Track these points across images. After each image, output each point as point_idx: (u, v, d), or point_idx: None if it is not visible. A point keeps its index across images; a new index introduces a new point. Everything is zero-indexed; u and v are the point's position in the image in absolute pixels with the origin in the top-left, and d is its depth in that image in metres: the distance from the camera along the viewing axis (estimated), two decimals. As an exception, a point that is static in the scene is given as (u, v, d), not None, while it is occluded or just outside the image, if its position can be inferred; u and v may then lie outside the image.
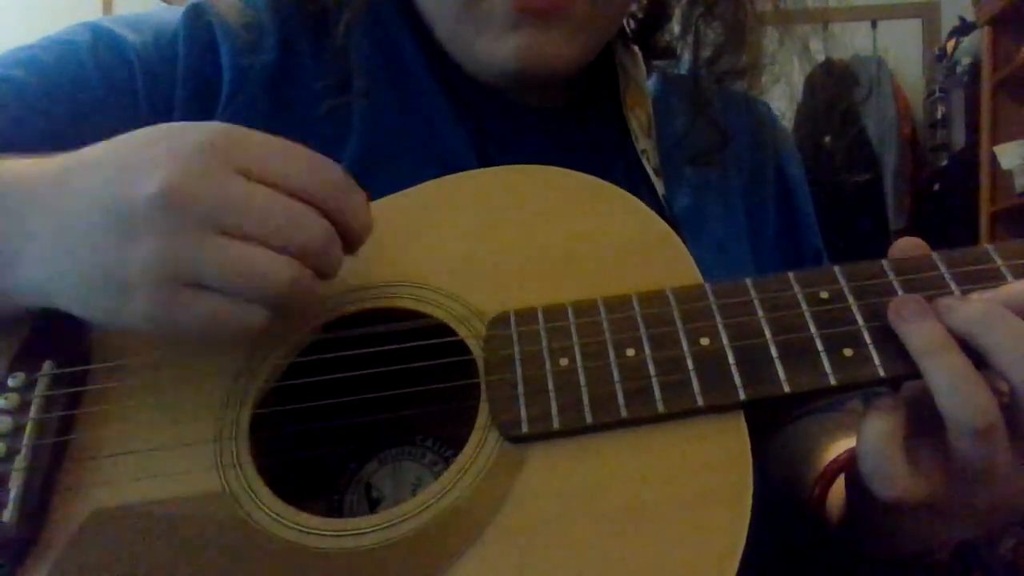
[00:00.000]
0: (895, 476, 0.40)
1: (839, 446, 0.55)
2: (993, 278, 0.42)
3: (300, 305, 0.42)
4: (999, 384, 0.39)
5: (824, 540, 0.53)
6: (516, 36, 0.53)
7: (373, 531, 0.40)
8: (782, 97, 0.71)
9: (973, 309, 0.40)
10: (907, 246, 0.45)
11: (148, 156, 0.39)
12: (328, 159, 0.42)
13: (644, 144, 0.61)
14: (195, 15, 0.58)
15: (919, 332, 0.40)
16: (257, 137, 0.41)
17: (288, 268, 0.39)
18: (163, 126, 0.42)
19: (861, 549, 0.50)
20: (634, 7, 0.67)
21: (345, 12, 0.57)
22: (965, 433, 0.39)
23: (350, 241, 0.43)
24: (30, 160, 0.44)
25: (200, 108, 0.56)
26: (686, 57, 0.66)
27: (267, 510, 0.42)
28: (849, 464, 0.48)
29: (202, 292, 0.38)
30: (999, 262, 0.43)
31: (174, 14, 0.59)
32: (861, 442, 0.41)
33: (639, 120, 0.62)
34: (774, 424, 0.64)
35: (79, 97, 0.54)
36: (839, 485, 0.51)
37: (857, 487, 0.45)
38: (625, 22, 0.68)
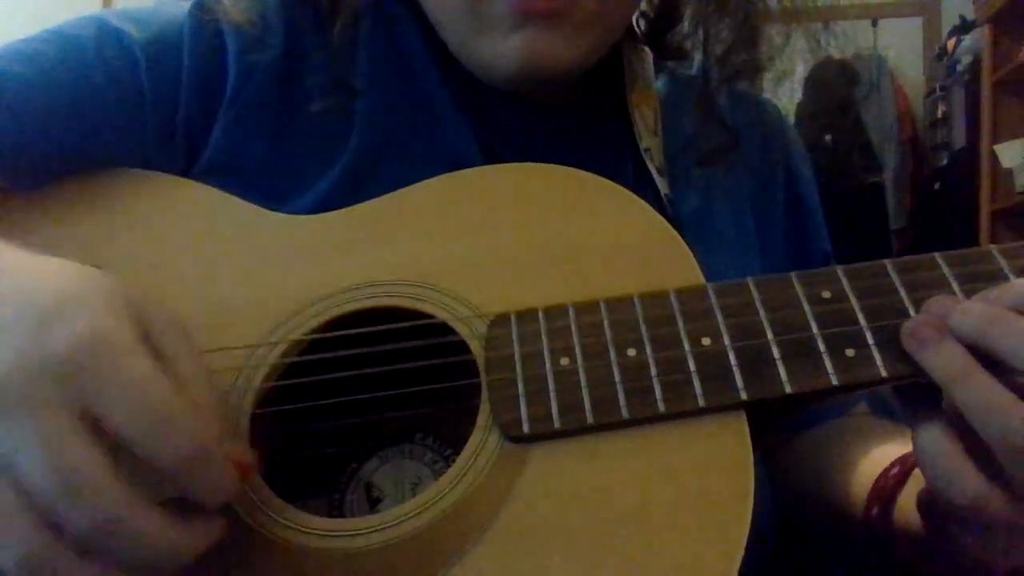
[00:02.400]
0: (964, 477, 0.39)
1: (875, 457, 0.54)
2: (995, 279, 0.42)
3: None
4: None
5: (884, 557, 0.51)
6: (517, 37, 0.53)
7: (374, 531, 0.40)
8: (783, 95, 0.71)
9: (981, 317, 0.40)
10: None
11: (3, 345, 0.35)
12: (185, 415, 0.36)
13: (648, 143, 0.61)
14: (201, 11, 0.58)
15: (940, 360, 0.40)
16: (120, 374, 0.35)
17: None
18: (47, 303, 0.36)
19: (925, 570, 0.48)
20: (644, 7, 0.67)
21: (342, 11, 0.57)
22: (1009, 455, 0.38)
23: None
24: None
25: (204, 105, 0.56)
26: (696, 57, 0.66)
27: (267, 510, 0.42)
28: (905, 479, 0.47)
29: None
30: (1002, 263, 0.43)
31: (180, 9, 0.58)
32: (920, 451, 0.40)
33: (644, 118, 0.62)
34: (776, 425, 0.64)
35: (82, 93, 0.54)
36: (904, 500, 0.49)
37: (928, 504, 0.44)
38: (635, 22, 0.67)
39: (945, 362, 0.40)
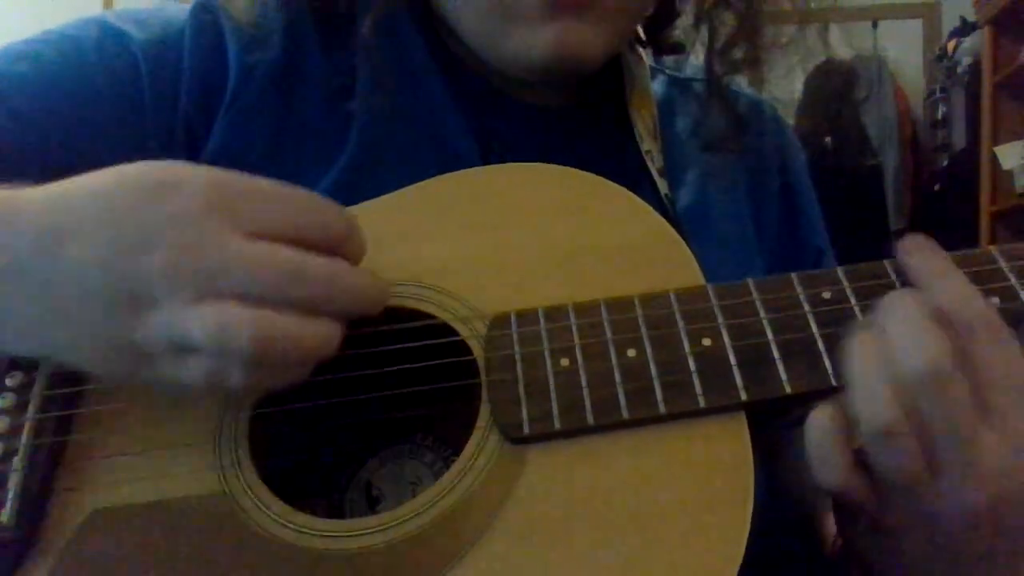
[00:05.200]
0: (836, 465, 0.39)
1: None
2: (995, 280, 0.42)
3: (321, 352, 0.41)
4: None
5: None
6: (550, 28, 0.53)
7: (374, 532, 0.40)
8: (783, 95, 0.71)
9: (888, 297, 0.40)
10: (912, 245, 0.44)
11: (145, 226, 0.39)
12: (326, 200, 0.42)
13: (649, 145, 0.61)
14: (202, 11, 0.58)
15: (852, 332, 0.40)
16: (252, 189, 0.40)
17: (274, 326, 0.38)
18: (155, 174, 0.41)
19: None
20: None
21: (370, 11, 0.57)
22: (867, 436, 0.38)
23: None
24: (2, 206, 0.43)
25: (205, 106, 0.56)
26: (694, 55, 0.66)
27: (267, 511, 0.42)
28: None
29: (200, 357, 0.39)
30: (1003, 264, 0.43)
31: (181, 10, 0.59)
32: (807, 428, 0.40)
33: (644, 121, 0.62)
34: (777, 425, 0.63)
35: (83, 93, 0.54)
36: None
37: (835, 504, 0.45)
38: None
39: (852, 333, 0.40)
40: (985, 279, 0.42)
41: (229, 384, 0.39)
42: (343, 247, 0.41)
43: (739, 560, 0.37)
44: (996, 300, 0.42)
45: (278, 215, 0.40)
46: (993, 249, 0.44)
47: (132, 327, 0.39)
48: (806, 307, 0.43)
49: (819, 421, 0.40)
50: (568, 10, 0.53)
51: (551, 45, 0.53)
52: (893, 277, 0.43)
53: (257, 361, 0.38)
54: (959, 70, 3.51)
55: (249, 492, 0.42)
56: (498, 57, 0.57)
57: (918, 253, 0.42)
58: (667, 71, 0.71)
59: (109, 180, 0.41)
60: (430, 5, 0.60)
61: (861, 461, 0.40)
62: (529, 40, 0.54)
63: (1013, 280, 0.42)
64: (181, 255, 0.38)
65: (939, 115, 3.64)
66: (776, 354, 0.42)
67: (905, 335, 0.38)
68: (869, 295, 0.43)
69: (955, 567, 0.41)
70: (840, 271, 0.44)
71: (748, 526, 0.38)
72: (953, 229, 3.40)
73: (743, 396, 0.41)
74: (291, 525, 0.41)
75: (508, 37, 0.55)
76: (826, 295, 0.43)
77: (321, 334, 0.40)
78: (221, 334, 0.37)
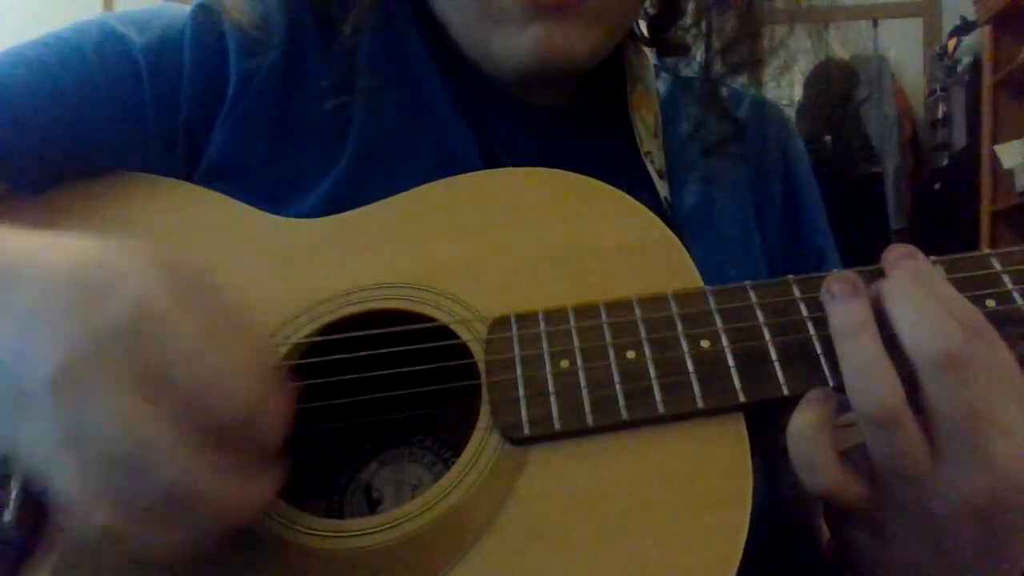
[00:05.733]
0: (822, 467, 0.39)
1: None
2: (991, 284, 0.43)
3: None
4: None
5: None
6: (532, 30, 0.53)
7: (375, 532, 0.40)
8: (783, 95, 0.71)
9: (887, 280, 0.40)
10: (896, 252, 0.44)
11: (52, 328, 0.35)
12: (254, 365, 0.38)
13: (649, 146, 0.61)
14: (203, 14, 0.58)
15: (840, 312, 0.40)
16: (180, 328, 0.36)
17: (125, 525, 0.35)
18: (96, 274, 0.37)
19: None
20: (646, 3, 0.67)
21: (353, 11, 0.57)
22: (865, 422, 0.38)
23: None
24: None
25: (205, 108, 0.56)
26: (698, 55, 0.66)
27: (270, 511, 0.42)
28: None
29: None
30: (998, 268, 0.43)
31: (182, 12, 0.58)
32: (789, 431, 0.40)
33: (645, 122, 0.62)
34: (775, 427, 0.64)
35: (83, 97, 0.54)
36: None
37: (825, 507, 0.44)
38: (636, 23, 0.68)
39: (844, 313, 0.40)
40: (980, 283, 0.43)
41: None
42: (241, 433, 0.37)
43: (737, 560, 0.38)
44: (992, 303, 0.42)
45: (198, 374, 0.35)
46: (991, 253, 0.44)
47: (13, 426, 0.35)
48: (803, 310, 0.43)
49: (799, 426, 0.40)
50: (550, 12, 0.53)
51: (534, 47, 0.53)
52: None
53: (109, 545, 0.35)
54: (959, 69, 3.51)
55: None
56: (486, 59, 0.57)
57: (904, 259, 0.43)
58: (671, 68, 0.70)
59: (58, 265, 0.38)
60: (429, 5, 0.60)
61: (850, 462, 0.40)
62: (512, 42, 0.54)
63: (1009, 285, 0.43)
64: (66, 378, 0.34)
65: (939, 114, 3.64)
66: (774, 356, 0.42)
67: (918, 315, 0.38)
68: None
69: (948, 564, 0.41)
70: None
71: (746, 526, 0.38)
72: (953, 228, 3.40)
73: (741, 397, 0.41)
74: (292, 525, 0.41)
75: (492, 39, 0.55)
76: (822, 290, 0.43)
77: (187, 541, 0.36)
78: (73, 505, 0.34)
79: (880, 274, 0.43)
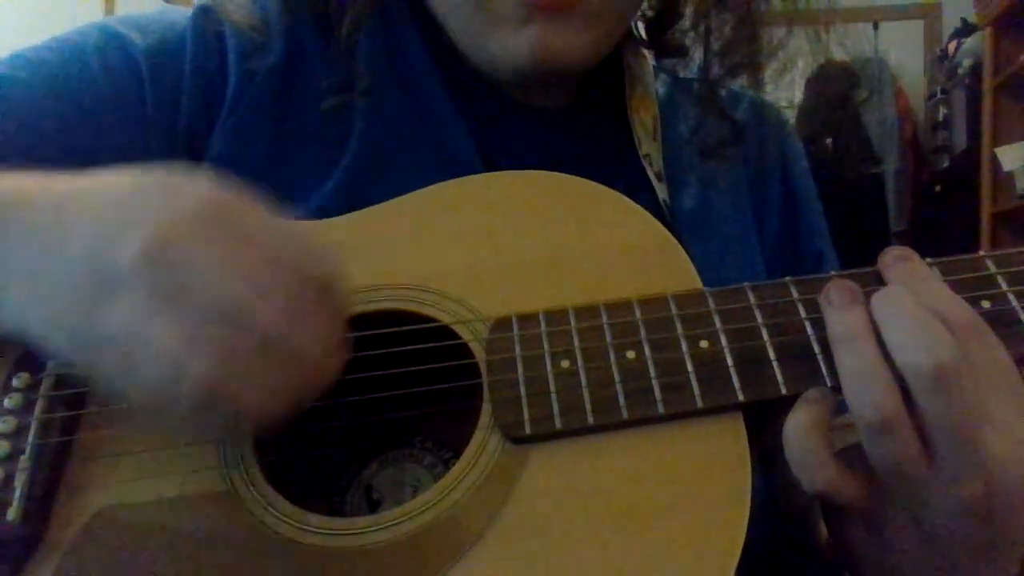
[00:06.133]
0: (818, 466, 0.40)
1: None
2: (987, 287, 0.43)
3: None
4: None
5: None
6: (528, 30, 0.53)
7: (376, 530, 0.41)
8: (783, 97, 0.71)
9: (877, 294, 0.40)
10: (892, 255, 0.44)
11: (134, 217, 0.38)
12: (319, 248, 0.40)
13: (648, 148, 0.62)
14: (203, 16, 0.58)
15: (839, 319, 0.41)
16: (251, 214, 0.39)
17: (231, 373, 0.36)
18: (165, 178, 0.40)
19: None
20: (644, 5, 0.67)
21: (350, 11, 0.57)
22: (863, 427, 0.39)
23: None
24: (31, 182, 0.43)
25: (206, 111, 0.56)
26: (697, 56, 0.66)
27: (270, 509, 0.42)
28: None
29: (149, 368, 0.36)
30: (993, 270, 0.44)
31: (183, 15, 0.59)
32: (785, 432, 0.41)
33: (644, 124, 0.63)
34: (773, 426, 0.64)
35: (85, 100, 0.54)
36: None
37: (823, 505, 0.45)
38: (634, 25, 0.68)
39: (842, 321, 0.41)
40: (977, 285, 0.43)
41: (176, 414, 0.37)
42: (316, 302, 0.39)
43: (736, 558, 0.38)
44: (987, 304, 0.42)
45: (275, 245, 0.39)
46: (986, 256, 0.44)
47: (94, 314, 0.37)
48: (801, 311, 0.43)
49: (795, 426, 0.40)
50: (545, 12, 0.53)
51: (529, 48, 0.53)
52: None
53: (201, 405, 0.36)
54: (960, 71, 3.51)
55: (253, 491, 0.43)
56: (484, 59, 0.57)
57: (899, 262, 0.43)
58: (669, 69, 0.70)
59: (125, 178, 0.41)
60: (428, 6, 0.60)
61: (847, 461, 0.40)
62: (509, 43, 0.54)
63: (1005, 287, 0.43)
64: (160, 249, 0.36)
65: (940, 116, 3.64)
66: (772, 356, 0.42)
67: (907, 331, 0.39)
68: None
69: (945, 560, 0.41)
70: (836, 276, 0.45)
71: (745, 524, 0.39)
72: (954, 231, 3.40)
73: (740, 397, 0.41)
74: (294, 524, 0.42)
75: (489, 40, 0.55)
76: (820, 296, 0.44)
77: (277, 394, 0.38)
78: (170, 361, 0.36)
79: (876, 276, 0.44)
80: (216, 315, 0.36)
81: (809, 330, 0.43)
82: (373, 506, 0.49)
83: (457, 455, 0.43)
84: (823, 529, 0.51)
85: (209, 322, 0.36)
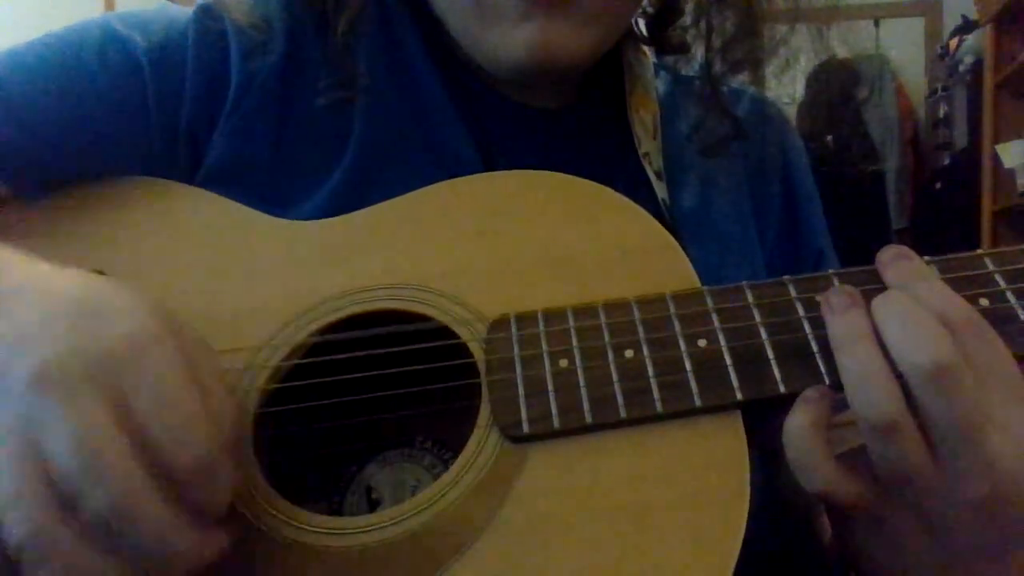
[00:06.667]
0: (817, 467, 0.40)
1: None
2: (985, 284, 0.43)
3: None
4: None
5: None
6: (526, 28, 0.53)
7: (374, 529, 0.41)
8: (785, 94, 0.71)
9: (877, 299, 0.40)
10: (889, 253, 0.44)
11: (48, 333, 0.37)
12: (199, 433, 0.36)
13: (647, 147, 0.61)
14: (205, 15, 0.58)
15: (839, 323, 0.41)
16: (155, 367, 0.36)
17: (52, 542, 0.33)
18: (100, 300, 0.39)
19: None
20: (645, 2, 0.67)
21: (346, 10, 0.57)
22: (866, 429, 0.39)
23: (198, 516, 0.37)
24: None
25: (207, 111, 0.56)
26: (698, 53, 0.66)
27: (270, 508, 0.42)
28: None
29: None
30: (992, 268, 0.44)
31: (184, 12, 0.58)
32: (785, 432, 0.41)
33: (643, 123, 0.62)
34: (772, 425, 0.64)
35: (86, 100, 0.54)
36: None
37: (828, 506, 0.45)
38: (635, 22, 0.68)
39: (843, 324, 0.41)
40: (974, 283, 0.43)
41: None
42: (194, 487, 0.36)
43: (735, 556, 0.38)
44: (985, 302, 0.42)
45: (151, 413, 0.35)
46: (984, 254, 0.44)
47: None
48: (800, 309, 0.44)
49: (794, 426, 0.40)
50: (546, 9, 0.53)
51: (527, 45, 0.53)
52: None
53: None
54: (961, 68, 3.51)
55: (253, 489, 0.43)
56: (483, 57, 0.57)
57: (897, 260, 0.43)
58: (671, 67, 0.70)
59: (67, 288, 0.40)
60: (427, 4, 0.60)
61: (849, 463, 0.40)
62: (506, 40, 0.54)
63: (1003, 285, 0.43)
64: (39, 382, 0.35)
65: (941, 114, 3.64)
66: (771, 354, 0.42)
67: (907, 332, 0.39)
68: None
69: (950, 562, 0.41)
70: (833, 275, 0.45)
71: (744, 523, 0.39)
72: (954, 228, 3.40)
73: (738, 395, 0.41)
74: (293, 523, 0.42)
75: (487, 37, 0.55)
76: (819, 298, 0.44)
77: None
78: (12, 504, 0.34)
79: (874, 275, 0.44)
80: (62, 469, 0.33)
81: (807, 328, 0.43)
82: (373, 506, 0.49)
83: (457, 455, 0.43)
84: (826, 527, 0.51)
85: (41, 481, 0.34)
